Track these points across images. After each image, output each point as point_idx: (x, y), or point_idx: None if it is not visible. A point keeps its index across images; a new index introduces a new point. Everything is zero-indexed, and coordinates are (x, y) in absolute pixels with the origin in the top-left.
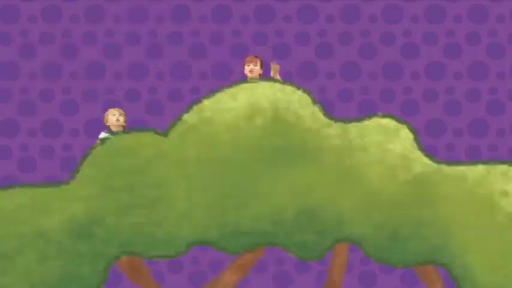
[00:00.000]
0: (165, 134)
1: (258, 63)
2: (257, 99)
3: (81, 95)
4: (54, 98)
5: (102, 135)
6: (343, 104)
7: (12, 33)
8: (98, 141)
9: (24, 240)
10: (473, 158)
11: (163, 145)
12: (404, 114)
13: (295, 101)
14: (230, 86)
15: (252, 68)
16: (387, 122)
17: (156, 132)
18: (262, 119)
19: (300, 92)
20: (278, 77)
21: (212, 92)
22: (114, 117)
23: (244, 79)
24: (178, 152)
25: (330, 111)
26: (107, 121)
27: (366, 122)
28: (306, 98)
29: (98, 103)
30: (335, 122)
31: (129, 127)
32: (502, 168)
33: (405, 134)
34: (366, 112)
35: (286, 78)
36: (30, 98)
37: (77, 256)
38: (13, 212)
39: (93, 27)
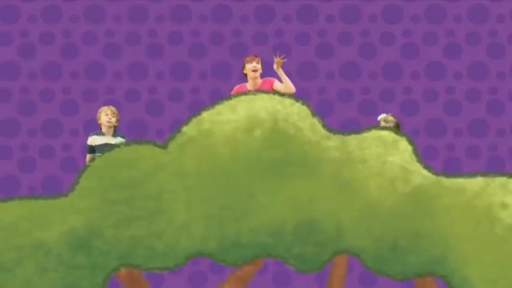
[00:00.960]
0: (164, 146)
1: (260, 62)
2: (256, 111)
3: (81, 95)
4: (54, 98)
5: (90, 139)
6: (343, 104)
7: (12, 33)
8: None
9: (23, 253)
10: (473, 158)
11: (163, 157)
12: (404, 114)
13: (294, 113)
14: (229, 98)
15: (256, 66)
16: (386, 134)
17: (155, 145)
18: (261, 131)
19: (299, 104)
20: (281, 71)
21: (212, 92)
22: (107, 117)
23: (243, 79)
24: (177, 164)
25: (330, 111)
26: (98, 118)
27: (365, 134)
28: (305, 110)
29: (98, 103)
30: (334, 134)
31: (129, 127)
32: (501, 180)
33: (404, 146)
34: (366, 112)
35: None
36: (30, 98)
37: (76, 268)
38: (12, 224)
39: (93, 27)
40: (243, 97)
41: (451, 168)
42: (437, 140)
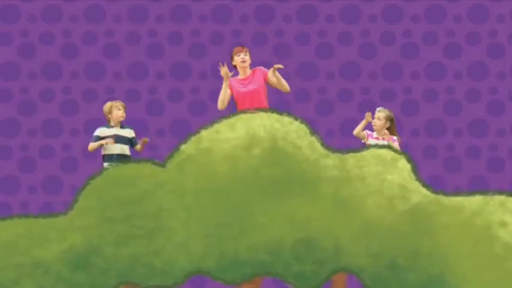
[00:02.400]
0: (163, 164)
1: (248, 53)
2: (255, 129)
3: (81, 95)
4: (54, 98)
5: (99, 130)
6: (343, 104)
7: (12, 33)
8: (94, 137)
9: (22, 271)
10: (473, 158)
11: (161, 175)
12: (404, 114)
13: (293, 131)
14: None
15: (243, 58)
16: (385, 152)
17: (154, 163)
18: (260, 149)
19: (297, 122)
20: (277, 74)
21: (212, 92)
22: (120, 112)
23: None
24: (176, 182)
25: (330, 111)
26: (109, 112)
27: (364, 152)
28: (304, 128)
29: (98, 103)
30: (333, 152)
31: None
32: (500, 198)
33: (403, 165)
34: (366, 112)
35: (286, 79)
36: (30, 98)
37: (75, 286)
38: (11, 242)
39: (93, 27)
40: (242, 115)
41: (451, 168)
42: (437, 140)
